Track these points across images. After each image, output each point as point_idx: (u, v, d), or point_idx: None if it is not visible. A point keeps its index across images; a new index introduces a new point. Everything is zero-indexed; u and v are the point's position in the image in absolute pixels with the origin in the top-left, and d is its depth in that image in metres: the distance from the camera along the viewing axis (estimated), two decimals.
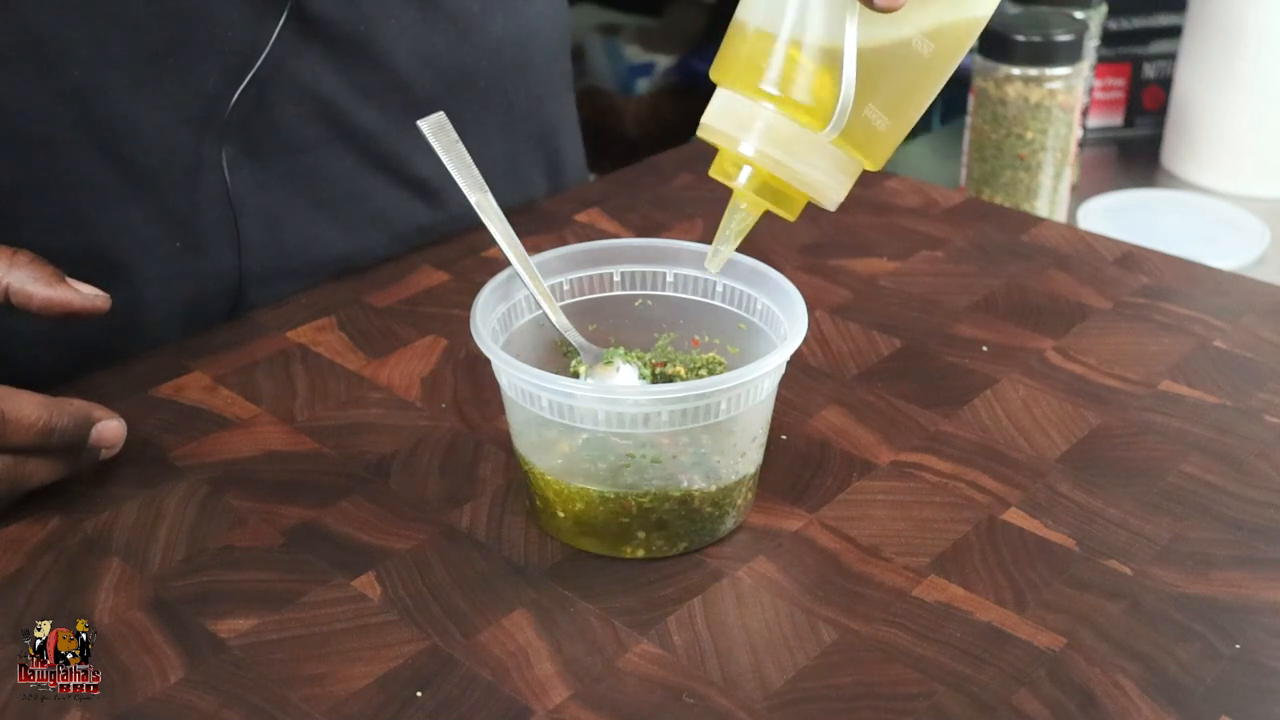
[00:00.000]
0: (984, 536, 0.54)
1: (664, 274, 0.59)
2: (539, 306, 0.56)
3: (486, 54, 0.80)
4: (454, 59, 0.78)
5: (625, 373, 0.56)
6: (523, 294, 0.56)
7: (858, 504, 0.56)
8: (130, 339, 0.70)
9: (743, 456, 0.53)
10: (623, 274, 0.59)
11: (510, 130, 0.84)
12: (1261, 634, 0.48)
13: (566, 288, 0.59)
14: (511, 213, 0.57)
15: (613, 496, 0.51)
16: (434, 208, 0.81)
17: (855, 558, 0.52)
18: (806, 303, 0.54)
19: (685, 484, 0.51)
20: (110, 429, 0.56)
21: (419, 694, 0.46)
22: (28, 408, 0.53)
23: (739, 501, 0.54)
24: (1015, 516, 0.55)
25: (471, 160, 0.56)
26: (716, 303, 0.59)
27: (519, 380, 0.50)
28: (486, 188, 0.56)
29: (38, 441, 0.53)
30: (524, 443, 0.53)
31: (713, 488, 0.52)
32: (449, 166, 0.55)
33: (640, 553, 0.52)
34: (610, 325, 0.60)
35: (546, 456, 0.52)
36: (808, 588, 0.51)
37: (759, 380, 0.50)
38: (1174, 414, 0.62)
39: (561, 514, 0.53)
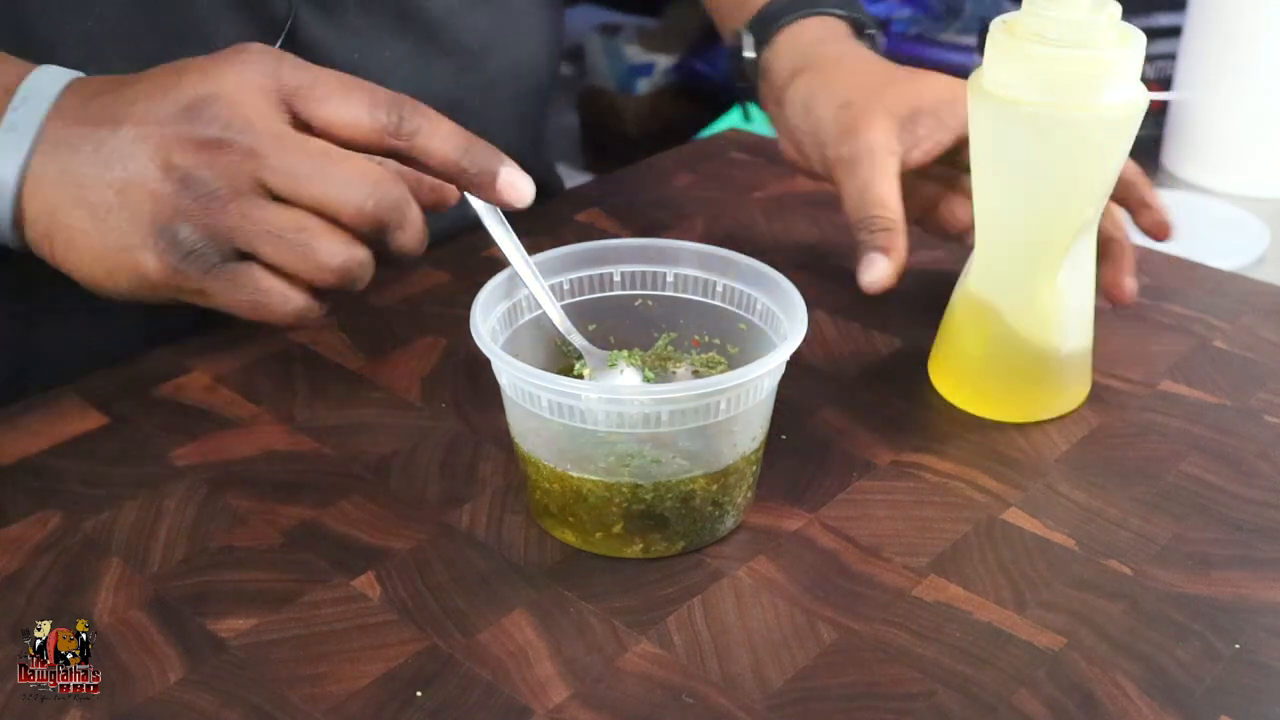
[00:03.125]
0: (984, 536, 0.54)
1: (664, 274, 0.59)
2: (539, 306, 0.56)
3: (480, 90, 0.80)
4: (449, 92, 0.78)
5: (629, 376, 0.56)
6: (523, 294, 0.56)
7: (858, 504, 0.56)
8: (113, 337, 0.69)
9: (742, 456, 0.53)
10: (623, 274, 0.59)
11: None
12: (1261, 634, 0.48)
13: (566, 288, 0.59)
14: (507, 215, 0.57)
15: (613, 496, 0.51)
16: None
17: (855, 558, 0.52)
18: (806, 303, 0.54)
19: (685, 484, 0.51)
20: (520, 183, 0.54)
21: (419, 694, 0.46)
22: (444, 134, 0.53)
23: (739, 501, 0.54)
24: (1015, 516, 0.55)
25: None
26: (716, 303, 0.59)
27: (519, 380, 0.50)
28: None
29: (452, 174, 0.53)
30: (524, 442, 0.53)
31: (713, 487, 0.52)
32: None
33: (640, 552, 0.52)
34: (610, 325, 0.60)
35: (546, 456, 0.52)
36: (808, 588, 0.51)
37: (759, 380, 0.50)
38: (1174, 414, 0.62)
39: (561, 513, 0.53)
